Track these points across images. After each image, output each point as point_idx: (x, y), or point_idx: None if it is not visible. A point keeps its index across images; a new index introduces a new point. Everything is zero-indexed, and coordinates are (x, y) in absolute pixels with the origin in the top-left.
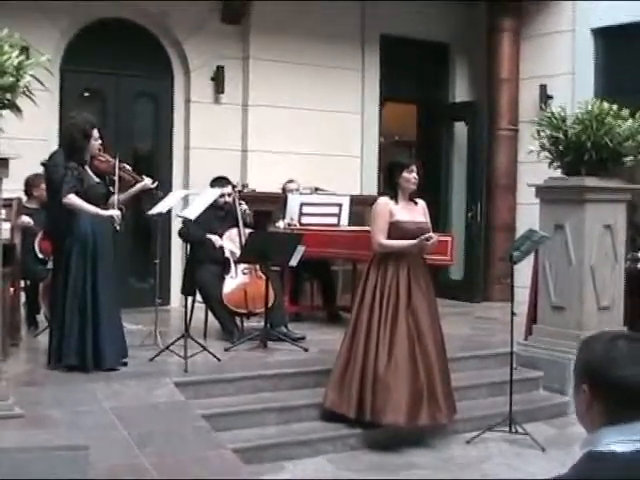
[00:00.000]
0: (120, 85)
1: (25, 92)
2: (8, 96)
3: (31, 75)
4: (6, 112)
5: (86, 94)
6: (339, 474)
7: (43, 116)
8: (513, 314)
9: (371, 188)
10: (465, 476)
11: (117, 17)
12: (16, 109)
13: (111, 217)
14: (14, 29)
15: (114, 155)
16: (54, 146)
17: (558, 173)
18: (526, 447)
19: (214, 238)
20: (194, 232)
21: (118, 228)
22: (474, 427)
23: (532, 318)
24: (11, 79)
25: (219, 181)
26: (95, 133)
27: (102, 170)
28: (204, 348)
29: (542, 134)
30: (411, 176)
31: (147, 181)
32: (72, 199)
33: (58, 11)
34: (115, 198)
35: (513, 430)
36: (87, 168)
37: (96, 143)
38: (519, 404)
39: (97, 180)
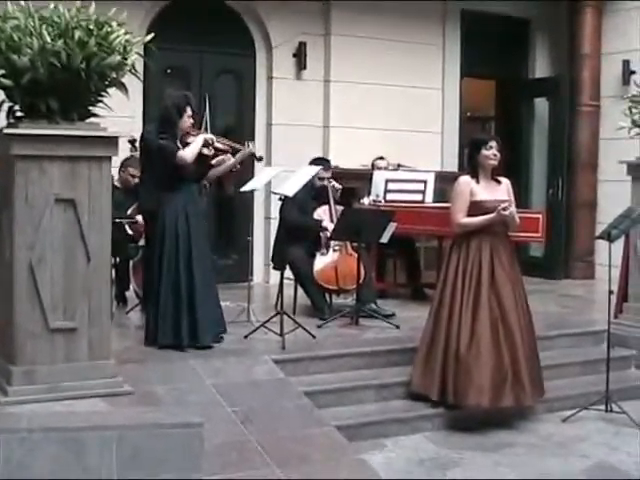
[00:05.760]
0: (203, 62)
1: (131, 70)
2: (113, 74)
3: (137, 53)
4: None
5: (169, 71)
6: (440, 452)
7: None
8: (610, 292)
9: (452, 164)
10: (565, 455)
11: None
12: (123, 88)
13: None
14: (99, 7)
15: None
16: (139, 123)
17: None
18: (623, 426)
19: (325, 224)
20: (304, 220)
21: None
22: (568, 406)
23: (623, 296)
24: (118, 58)
25: (319, 162)
26: (189, 110)
27: None
28: (299, 325)
29: (634, 110)
30: (490, 153)
31: (248, 147)
32: (182, 153)
33: None
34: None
35: (609, 409)
36: (179, 144)
37: (188, 120)
38: (613, 383)
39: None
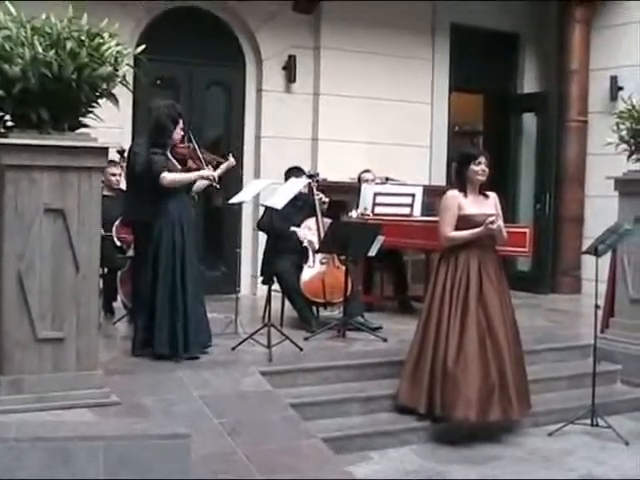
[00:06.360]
0: (193, 74)
1: (122, 82)
2: (104, 85)
3: (128, 64)
4: None
5: (159, 82)
6: (426, 465)
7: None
8: (597, 307)
9: (440, 178)
10: (551, 469)
11: (191, 6)
12: (113, 99)
13: (210, 177)
14: (90, 17)
15: (190, 142)
16: (128, 134)
17: (631, 165)
18: (609, 440)
19: (299, 232)
20: (278, 225)
21: (218, 187)
22: (554, 420)
23: (609, 311)
24: (109, 69)
25: (295, 171)
26: (181, 123)
27: (183, 155)
28: (287, 337)
29: (621, 126)
30: (479, 168)
31: (231, 160)
32: (167, 177)
33: None
34: (199, 183)
35: (595, 423)
36: (170, 156)
37: (180, 132)
38: (599, 397)
39: (179, 167)
